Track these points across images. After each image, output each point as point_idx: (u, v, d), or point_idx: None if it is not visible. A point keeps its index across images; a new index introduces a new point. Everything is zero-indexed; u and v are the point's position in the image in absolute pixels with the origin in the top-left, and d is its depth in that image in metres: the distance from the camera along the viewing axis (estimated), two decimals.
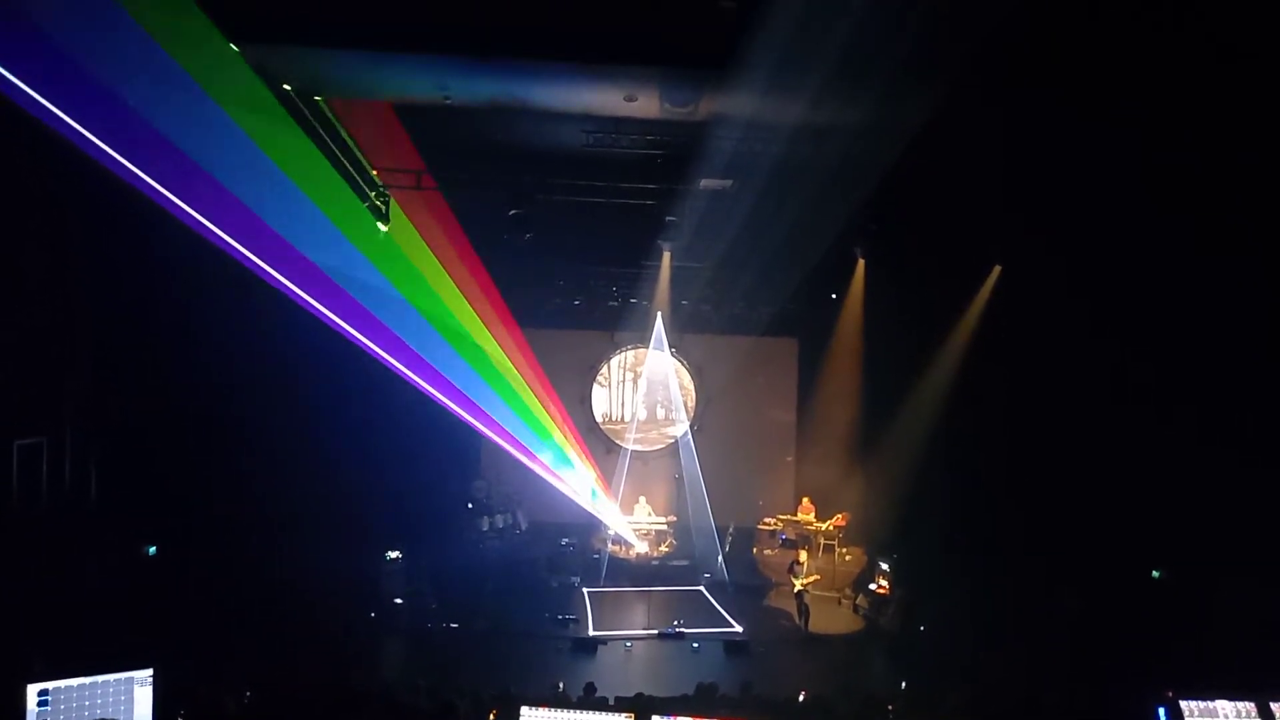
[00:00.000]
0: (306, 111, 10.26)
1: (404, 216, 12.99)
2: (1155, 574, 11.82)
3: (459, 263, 14.16)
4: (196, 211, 9.45)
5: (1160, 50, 8.02)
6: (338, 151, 11.22)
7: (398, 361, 13.09)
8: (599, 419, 19.03)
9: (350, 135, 11.52)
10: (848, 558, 16.07)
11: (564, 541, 16.19)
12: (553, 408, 17.12)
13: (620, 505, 17.19)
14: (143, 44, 7.86)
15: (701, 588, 15.34)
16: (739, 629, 13.30)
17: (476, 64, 9.14)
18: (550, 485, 16.29)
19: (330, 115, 10.92)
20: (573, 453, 17.14)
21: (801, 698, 8.61)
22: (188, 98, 8.68)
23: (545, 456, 16.25)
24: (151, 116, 8.57)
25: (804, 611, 13.14)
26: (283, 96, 9.74)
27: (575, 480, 16.69)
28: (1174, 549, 11.28)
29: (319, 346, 12.10)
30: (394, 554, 13.48)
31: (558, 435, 16.86)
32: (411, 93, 10.34)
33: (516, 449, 15.59)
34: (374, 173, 12.44)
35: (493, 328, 15.25)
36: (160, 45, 7.94)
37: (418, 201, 13.02)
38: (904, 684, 10.48)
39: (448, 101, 10.05)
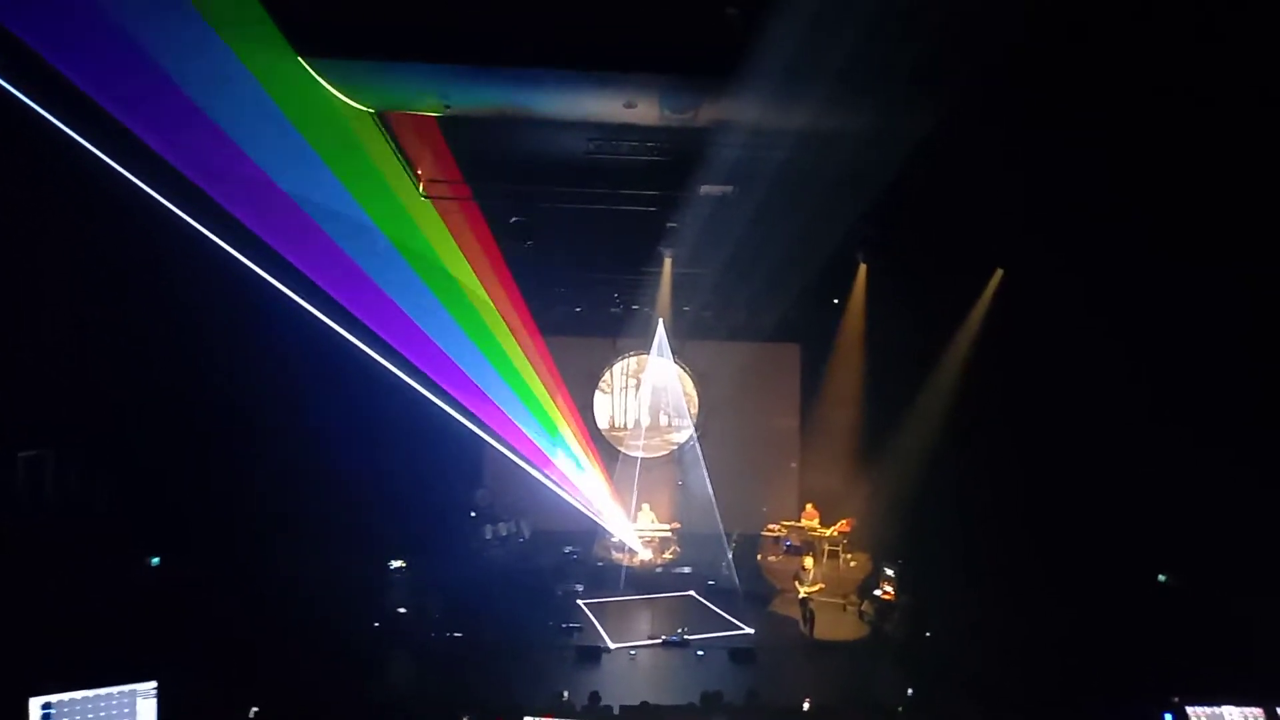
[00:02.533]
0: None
1: (441, 221, 13.06)
2: (1162, 578, 11.78)
3: (488, 267, 14.24)
4: (220, 194, 9.49)
5: (1163, 56, 8.02)
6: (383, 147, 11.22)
7: (408, 372, 13.12)
8: (602, 426, 19.02)
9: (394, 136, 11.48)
10: (853, 564, 16.05)
11: (567, 550, 16.16)
12: (567, 412, 17.17)
13: (614, 513, 17.17)
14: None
15: (692, 592, 15.32)
16: (747, 630, 13.30)
17: (477, 72, 9.15)
18: (553, 493, 16.28)
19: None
20: (585, 458, 17.16)
21: (805, 706, 8.57)
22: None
23: (560, 460, 16.25)
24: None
25: (809, 618, 13.09)
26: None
27: (586, 486, 16.67)
28: (1181, 553, 11.24)
29: (323, 357, 12.12)
30: (398, 564, 13.46)
31: (572, 440, 16.89)
32: (411, 102, 10.35)
33: (528, 453, 15.60)
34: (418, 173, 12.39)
35: (515, 331, 15.35)
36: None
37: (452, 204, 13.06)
38: (910, 691, 10.45)
39: (449, 110, 10.06)
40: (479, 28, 8.26)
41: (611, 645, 12.58)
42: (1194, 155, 9.31)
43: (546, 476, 16.14)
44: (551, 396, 16.55)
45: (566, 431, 16.88)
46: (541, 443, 15.97)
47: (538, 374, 16.11)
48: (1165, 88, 8.43)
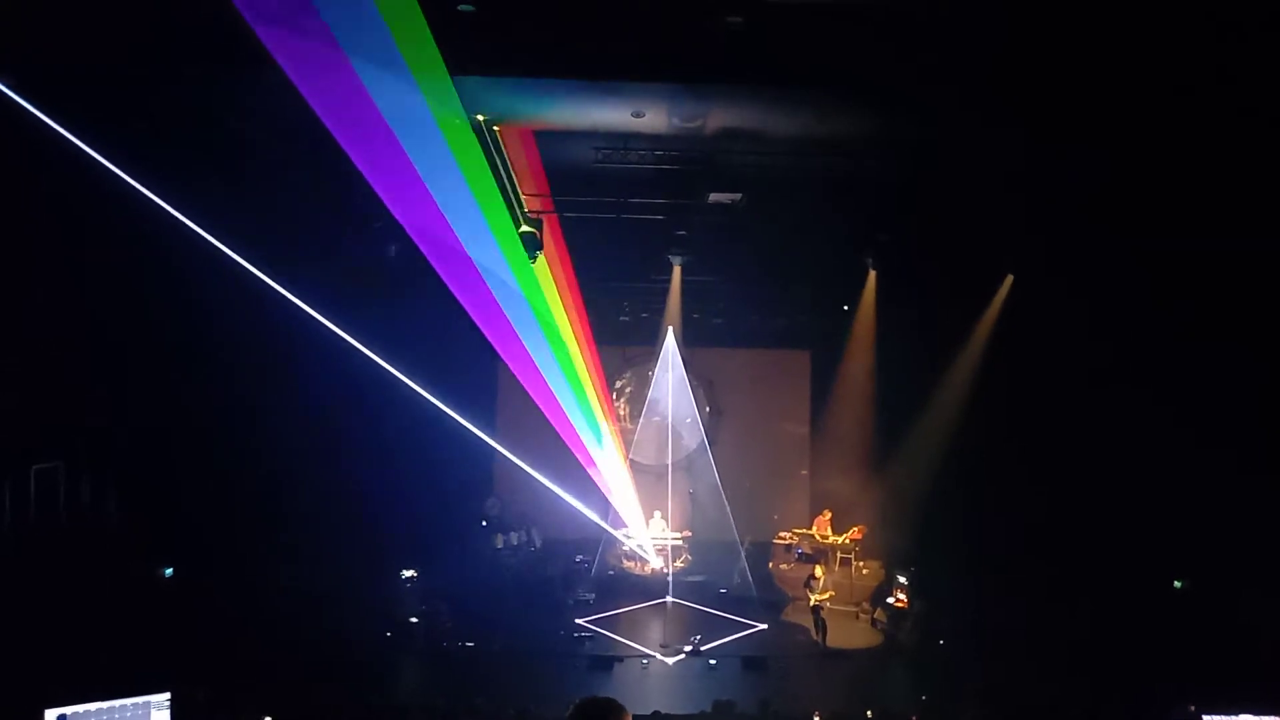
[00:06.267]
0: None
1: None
2: (1177, 584, 11.70)
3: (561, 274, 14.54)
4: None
5: (1170, 64, 8.00)
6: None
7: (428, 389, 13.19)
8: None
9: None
10: (865, 571, 15.98)
11: (578, 558, 16.14)
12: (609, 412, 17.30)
13: (636, 521, 17.14)
14: None
15: (669, 598, 15.22)
16: (760, 626, 13.51)
17: (486, 83, 9.19)
18: (564, 501, 16.25)
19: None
20: (620, 461, 17.22)
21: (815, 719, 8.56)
22: None
23: (603, 456, 16.25)
24: None
25: (821, 626, 13.04)
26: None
27: (617, 489, 16.64)
28: (1196, 559, 11.17)
29: (336, 369, 12.15)
30: (409, 573, 13.47)
31: (611, 442, 16.94)
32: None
33: (578, 453, 15.64)
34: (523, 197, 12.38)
35: (577, 335, 15.52)
36: None
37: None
38: (923, 698, 10.41)
39: (458, 122, 10.10)
40: (489, 38, 8.30)
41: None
42: (1207, 156, 9.30)
43: (589, 478, 16.10)
44: (599, 395, 16.64)
45: (606, 431, 16.91)
46: (589, 442, 15.97)
47: (592, 376, 16.21)
48: (1167, 87, 8.41)
